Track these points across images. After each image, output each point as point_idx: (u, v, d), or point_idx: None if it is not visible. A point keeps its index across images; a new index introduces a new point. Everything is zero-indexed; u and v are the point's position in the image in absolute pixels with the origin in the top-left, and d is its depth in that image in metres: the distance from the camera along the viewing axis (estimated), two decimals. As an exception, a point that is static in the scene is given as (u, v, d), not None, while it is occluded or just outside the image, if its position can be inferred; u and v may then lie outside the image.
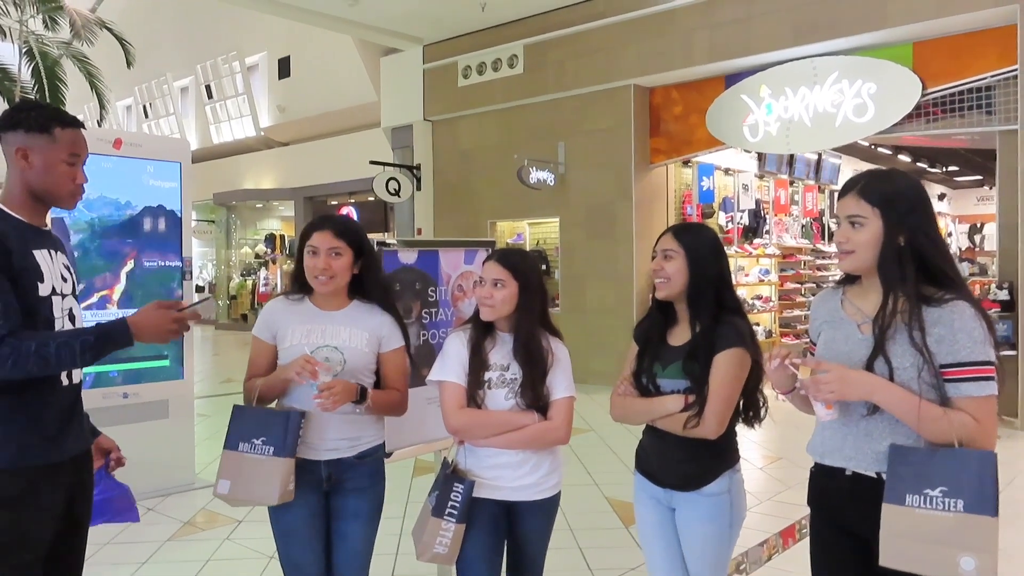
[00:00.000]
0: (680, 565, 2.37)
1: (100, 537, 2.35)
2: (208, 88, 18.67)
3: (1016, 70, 7.18)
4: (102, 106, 13.65)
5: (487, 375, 2.43)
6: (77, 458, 2.13)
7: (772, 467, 5.92)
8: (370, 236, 2.66)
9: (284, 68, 17.00)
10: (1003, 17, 7.23)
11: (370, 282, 2.56)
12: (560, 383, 2.45)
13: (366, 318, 2.53)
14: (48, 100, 12.61)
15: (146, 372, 5.29)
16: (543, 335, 2.47)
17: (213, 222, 19.52)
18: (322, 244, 2.45)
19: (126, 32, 13.50)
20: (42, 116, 2.09)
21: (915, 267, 1.84)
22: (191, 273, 5.59)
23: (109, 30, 13.11)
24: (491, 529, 2.46)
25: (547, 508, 2.52)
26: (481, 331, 2.47)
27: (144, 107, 21.07)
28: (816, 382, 1.85)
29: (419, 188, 11.65)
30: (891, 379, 1.82)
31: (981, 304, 1.85)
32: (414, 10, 10.19)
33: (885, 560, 1.76)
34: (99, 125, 13.76)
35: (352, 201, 16.25)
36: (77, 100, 13.60)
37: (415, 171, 11.64)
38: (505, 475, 2.43)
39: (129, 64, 13.32)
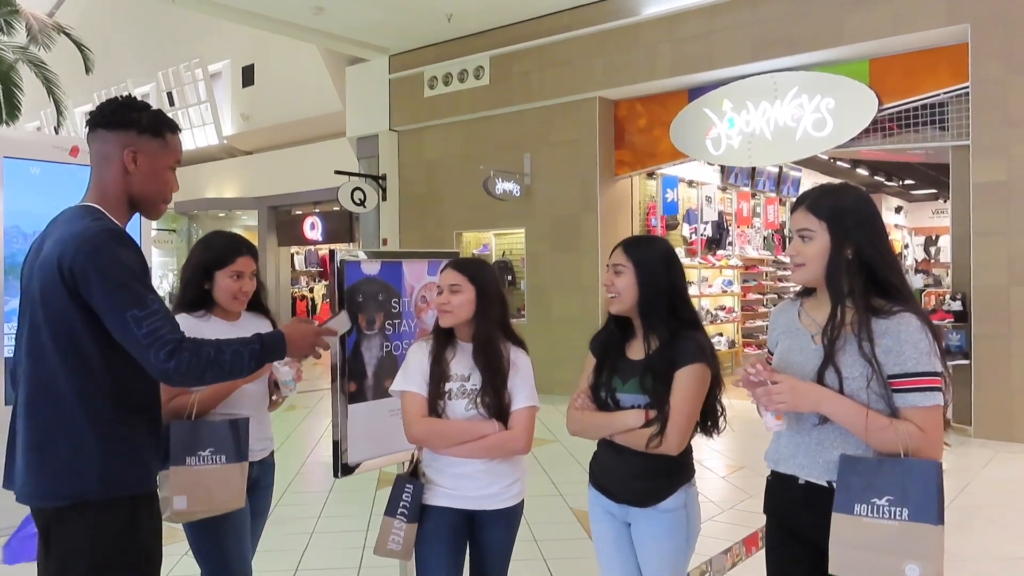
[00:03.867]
0: None
1: (27, 568, 2.32)
2: (170, 95, 18.43)
3: (968, 87, 7.39)
4: (59, 112, 13.42)
5: (448, 386, 2.44)
6: None
7: (734, 476, 5.99)
8: (336, 246, 2.76)
9: (248, 76, 16.85)
10: (955, 36, 7.44)
11: (257, 295, 2.84)
12: (520, 392, 2.46)
13: (260, 324, 2.75)
14: (3, 106, 12.35)
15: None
16: (503, 343, 2.49)
17: (174, 231, 19.25)
18: (247, 268, 2.71)
19: (85, 37, 13.30)
20: (155, 119, 2.00)
21: (864, 279, 1.88)
22: (150, 284, 5.48)
23: (67, 35, 12.91)
24: (451, 538, 2.46)
25: (510, 517, 2.52)
26: (442, 341, 2.49)
27: (104, 114, 20.68)
28: (767, 393, 1.89)
29: (384, 198, 11.61)
30: (841, 389, 1.86)
31: (928, 316, 1.90)
32: (380, 20, 10.18)
33: (834, 568, 1.80)
34: (56, 132, 13.50)
35: (317, 211, 16.14)
36: (33, 106, 13.39)
37: (380, 181, 11.61)
38: (467, 484, 2.44)
39: (88, 70, 13.11)
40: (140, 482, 1.92)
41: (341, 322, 2.45)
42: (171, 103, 18.40)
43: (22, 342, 1.92)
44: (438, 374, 2.44)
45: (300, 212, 16.78)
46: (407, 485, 2.43)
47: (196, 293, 2.70)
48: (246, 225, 18.98)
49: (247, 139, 17.14)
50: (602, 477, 2.42)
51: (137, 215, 2.06)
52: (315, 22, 10.31)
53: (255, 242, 18.00)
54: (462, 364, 2.47)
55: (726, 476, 6.03)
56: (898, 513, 1.75)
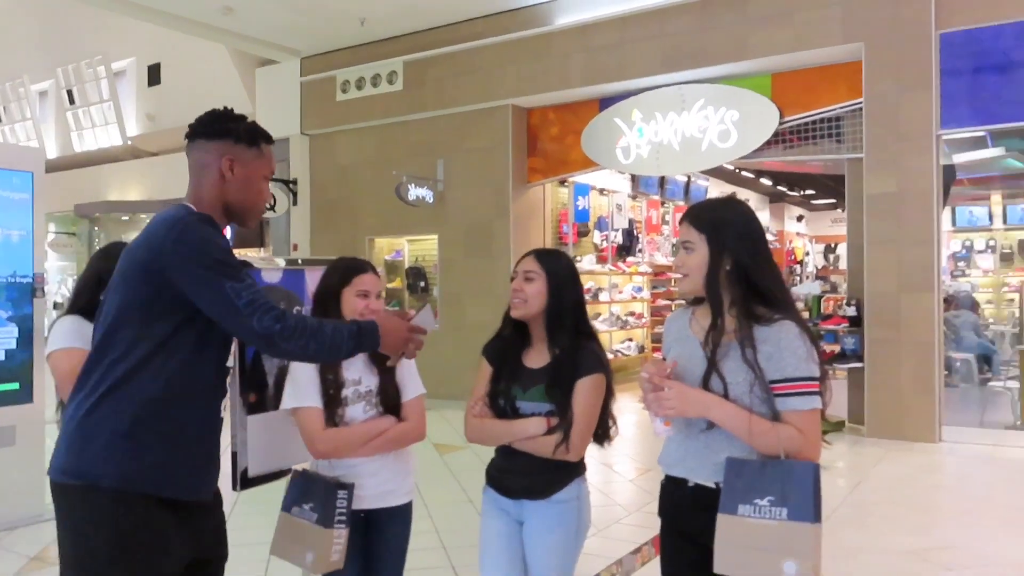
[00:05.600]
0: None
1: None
2: (70, 93, 17.61)
3: (862, 103, 7.77)
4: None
5: (344, 393, 2.46)
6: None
7: (642, 479, 6.11)
8: (245, 252, 2.70)
9: (154, 75, 16.26)
10: (851, 53, 7.81)
11: None
12: (408, 383, 2.56)
13: None
14: None
15: (-11, 396, 4.93)
16: None
17: (74, 234, 18.40)
18: None
19: (-24, 30, 12.59)
20: (251, 129, 2.06)
21: (744, 289, 1.96)
22: (43, 290, 5.25)
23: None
24: (355, 539, 2.46)
25: (405, 515, 2.58)
26: None
27: (-3, 111, 19.66)
28: (657, 399, 1.95)
29: (295, 203, 11.39)
30: (726, 394, 1.93)
31: (806, 323, 1.99)
32: (291, 22, 10.00)
33: (718, 567, 1.86)
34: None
35: (226, 215, 15.68)
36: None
37: (291, 185, 11.37)
38: (367, 482, 2.47)
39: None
40: (156, 484, 1.88)
41: (427, 319, 2.23)
42: (71, 101, 17.59)
43: (97, 326, 1.96)
44: (332, 383, 2.44)
45: (208, 216, 16.27)
46: (340, 492, 2.40)
47: (90, 301, 2.67)
48: (151, 229, 18.29)
49: (153, 140, 16.52)
50: (499, 477, 2.47)
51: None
52: (224, 22, 10.04)
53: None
54: (351, 369, 2.49)
55: (634, 479, 6.14)
56: (778, 513, 1.82)
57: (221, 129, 2.03)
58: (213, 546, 2.08)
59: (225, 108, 2.10)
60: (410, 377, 2.58)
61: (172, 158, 16.11)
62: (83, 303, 2.72)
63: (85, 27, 16.75)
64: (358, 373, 2.50)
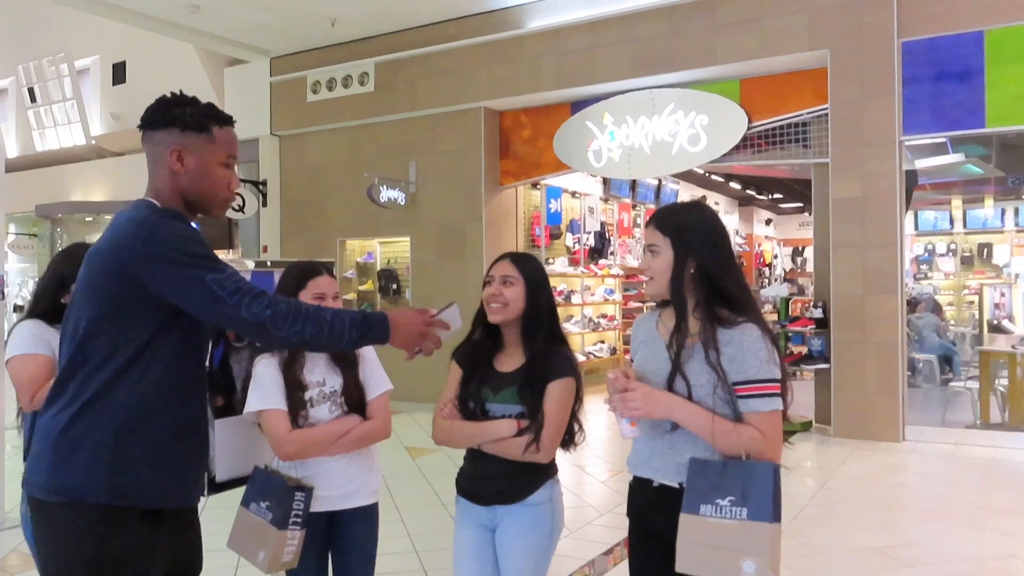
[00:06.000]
0: None
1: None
2: (31, 91, 17.28)
3: (827, 109, 7.90)
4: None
5: (308, 394, 2.47)
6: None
7: (613, 480, 6.14)
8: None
9: (119, 73, 16.01)
10: (817, 60, 7.94)
11: None
12: (373, 381, 2.58)
13: None
14: None
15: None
16: None
17: (35, 236, 18.03)
18: None
19: (-66, 26, 12.31)
20: (199, 113, 1.90)
21: (708, 292, 2.00)
22: (3, 292, 5.15)
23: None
24: (317, 541, 2.48)
25: (370, 515, 2.59)
26: (292, 353, 2.49)
27: (-45, 109, 19.23)
28: (623, 399, 1.98)
29: (265, 204, 11.28)
30: (689, 396, 1.97)
31: (769, 326, 2.02)
32: (260, 21, 9.91)
33: (680, 566, 1.89)
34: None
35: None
36: None
37: (261, 187, 11.27)
38: (331, 482, 2.47)
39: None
40: (143, 497, 1.82)
41: (453, 316, 2.11)
42: (33, 99, 17.26)
43: (66, 334, 1.86)
44: (295, 385, 2.45)
45: (175, 217, 16.05)
46: (297, 494, 2.40)
47: (52, 304, 2.62)
48: (116, 230, 18.00)
49: (118, 140, 16.26)
50: (469, 485, 2.47)
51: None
52: (191, 20, 9.92)
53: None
54: (314, 370, 2.50)
55: (606, 481, 6.18)
56: (738, 512, 1.85)
57: (166, 118, 1.90)
58: (187, 559, 2.02)
59: (173, 94, 1.96)
60: (374, 375, 2.59)
61: (138, 158, 15.77)
62: (44, 307, 2.66)
63: (47, 23, 16.45)
64: (322, 374, 2.51)
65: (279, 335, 1.76)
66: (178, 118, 1.89)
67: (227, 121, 1.97)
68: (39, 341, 2.71)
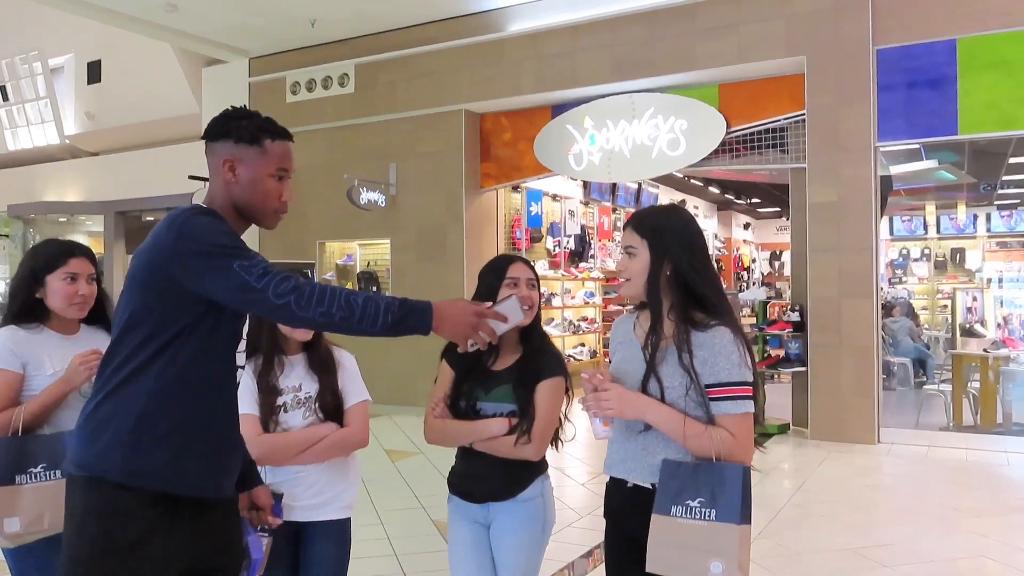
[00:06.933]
0: None
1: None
2: (3, 89, 17.04)
3: (804, 114, 7.99)
4: None
5: (281, 399, 2.47)
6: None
7: (593, 482, 6.16)
8: None
9: (94, 72, 15.82)
10: (794, 66, 8.03)
11: (99, 304, 2.69)
12: (351, 389, 2.57)
13: (102, 339, 2.56)
14: None
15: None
16: (327, 345, 2.61)
17: (7, 236, 17.78)
18: (83, 270, 2.57)
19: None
20: (252, 126, 1.98)
21: (683, 294, 2.02)
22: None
23: None
24: (284, 553, 2.45)
25: (338, 532, 2.55)
26: (268, 359, 2.50)
27: (-75, 106, 18.91)
28: (597, 399, 2.00)
29: (244, 205, 11.20)
30: (662, 397, 1.99)
31: (741, 330, 2.05)
32: (239, 21, 9.85)
33: (651, 567, 1.92)
34: None
35: (170, 217, 15.32)
36: None
37: (239, 187, 11.18)
38: (299, 492, 2.45)
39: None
40: (161, 480, 1.84)
41: (511, 308, 1.98)
42: (5, 98, 17.02)
43: (115, 323, 1.95)
44: (268, 390, 2.46)
45: (151, 218, 15.86)
46: None
47: (26, 302, 2.54)
48: (91, 231, 17.76)
49: (92, 139, 16.08)
50: (462, 483, 2.50)
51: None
52: (168, 20, 9.84)
53: (100, 249, 16.78)
54: (290, 376, 2.50)
55: (586, 483, 6.20)
56: (707, 513, 1.89)
57: (222, 130, 1.99)
58: (217, 555, 1.97)
59: (234, 108, 2.05)
60: (353, 384, 2.59)
61: (113, 158, 15.71)
62: (18, 306, 2.55)
63: (20, 20, 16.22)
64: (298, 380, 2.51)
65: (304, 316, 1.77)
66: (233, 130, 1.98)
67: (280, 135, 2.04)
68: (11, 357, 2.51)
